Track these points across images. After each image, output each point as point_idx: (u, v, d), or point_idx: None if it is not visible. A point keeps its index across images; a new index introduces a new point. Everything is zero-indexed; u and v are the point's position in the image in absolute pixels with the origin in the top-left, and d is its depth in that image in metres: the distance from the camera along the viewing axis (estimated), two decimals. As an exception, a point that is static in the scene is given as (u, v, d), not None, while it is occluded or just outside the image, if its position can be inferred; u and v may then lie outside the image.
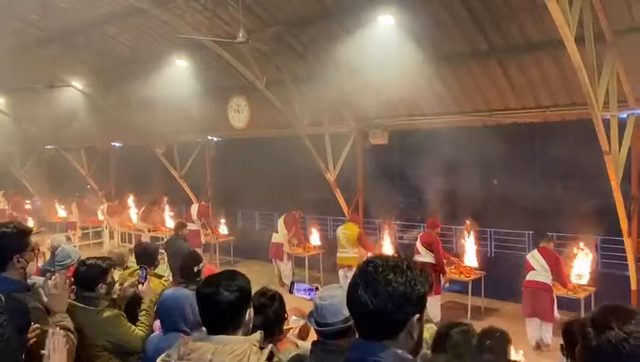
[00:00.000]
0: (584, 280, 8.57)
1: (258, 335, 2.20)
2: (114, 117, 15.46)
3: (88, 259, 3.88)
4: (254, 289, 2.37)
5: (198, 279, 5.13)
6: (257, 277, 11.86)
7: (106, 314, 3.73)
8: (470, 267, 9.75)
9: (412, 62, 8.76)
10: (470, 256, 9.99)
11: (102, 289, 3.75)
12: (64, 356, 2.57)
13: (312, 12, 9.64)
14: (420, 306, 1.70)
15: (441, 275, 9.27)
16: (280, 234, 11.98)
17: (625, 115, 8.18)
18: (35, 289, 3.31)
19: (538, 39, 8.34)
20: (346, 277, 10.44)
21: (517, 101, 9.30)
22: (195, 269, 5.13)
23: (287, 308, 3.37)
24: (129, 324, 3.82)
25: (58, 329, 2.68)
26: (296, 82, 10.98)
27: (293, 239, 12.09)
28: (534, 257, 8.25)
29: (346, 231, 10.55)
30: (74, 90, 15.39)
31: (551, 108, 8.93)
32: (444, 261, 9.45)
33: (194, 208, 13.99)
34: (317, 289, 3.66)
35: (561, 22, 6.29)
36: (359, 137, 11.70)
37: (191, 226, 12.75)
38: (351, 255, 10.42)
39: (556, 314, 8.02)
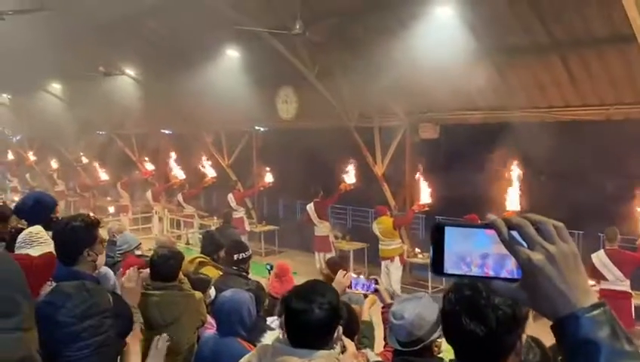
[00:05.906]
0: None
1: (338, 348, 2.14)
2: (165, 105, 15.71)
3: (161, 249, 3.94)
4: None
5: (238, 267, 5.06)
6: (299, 268, 11.95)
7: (195, 295, 3.82)
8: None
9: (467, 54, 8.52)
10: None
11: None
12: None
13: (368, 3, 9.47)
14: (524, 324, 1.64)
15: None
16: (322, 227, 11.75)
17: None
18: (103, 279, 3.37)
19: (603, 33, 7.94)
20: (387, 269, 10.40)
21: (578, 97, 8.93)
22: (236, 257, 5.08)
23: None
24: None
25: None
26: (348, 74, 10.84)
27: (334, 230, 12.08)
28: (605, 265, 7.40)
29: (379, 226, 10.47)
30: (127, 78, 15.72)
31: (615, 105, 8.53)
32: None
33: (230, 198, 13.89)
34: (376, 282, 3.60)
35: (634, 14, 5.99)
36: (409, 131, 11.49)
37: (234, 214, 12.91)
38: (392, 247, 10.38)
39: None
